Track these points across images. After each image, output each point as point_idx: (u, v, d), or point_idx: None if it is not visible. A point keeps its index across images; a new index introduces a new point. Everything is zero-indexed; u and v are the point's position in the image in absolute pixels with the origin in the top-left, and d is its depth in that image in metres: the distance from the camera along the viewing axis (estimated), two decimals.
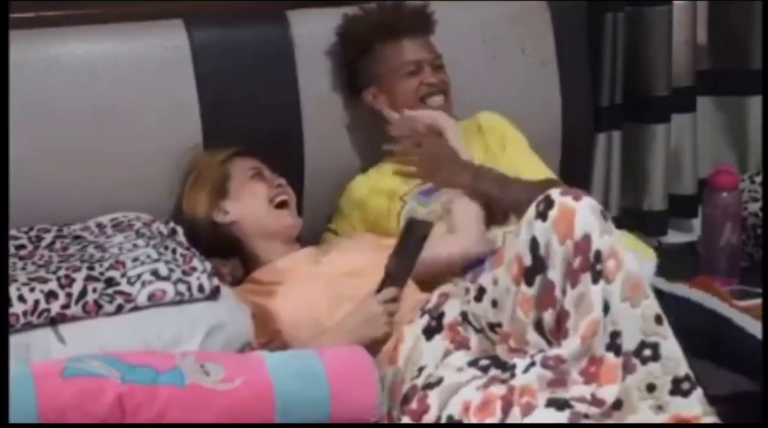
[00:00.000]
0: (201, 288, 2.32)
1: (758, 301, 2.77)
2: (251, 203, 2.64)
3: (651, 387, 2.09)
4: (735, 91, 3.40)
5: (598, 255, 2.07)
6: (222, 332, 2.29)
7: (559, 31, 3.09)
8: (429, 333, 2.30)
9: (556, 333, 2.11)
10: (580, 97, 3.14)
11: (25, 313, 2.21)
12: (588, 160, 3.20)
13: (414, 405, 2.20)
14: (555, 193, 2.12)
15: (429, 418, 2.17)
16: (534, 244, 2.11)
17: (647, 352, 2.08)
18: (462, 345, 2.25)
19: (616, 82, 3.19)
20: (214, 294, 2.34)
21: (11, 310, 2.20)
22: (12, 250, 2.43)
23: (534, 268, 2.11)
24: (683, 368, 2.10)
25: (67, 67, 2.68)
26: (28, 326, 2.22)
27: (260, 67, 2.82)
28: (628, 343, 2.08)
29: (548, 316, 2.11)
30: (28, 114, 2.59)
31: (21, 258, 2.41)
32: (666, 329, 2.10)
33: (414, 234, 2.37)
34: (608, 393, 2.06)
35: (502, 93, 3.01)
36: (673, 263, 2.86)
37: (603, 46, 3.16)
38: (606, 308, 2.07)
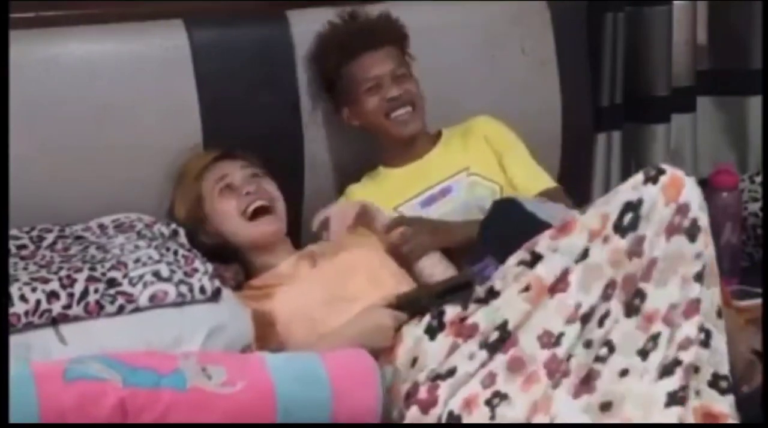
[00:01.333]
0: (202, 290, 2.32)
1: (758, 301, 2.77)
2: (225, 222, 2.60)
3: (696, 369, 2.14)
4: (735, 91, 3.40)
5: (695, 223, 2.18)
6: (223, 334, 2.29)
7: (559, 31, 3.09)
8: (432, 332, 2.30)
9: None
10: (580, 97, 3.14)
11: (26, 313, 2.21)
12: (588, 160, 3.20)
13: (424, 394, 2.21)
14: (666, 166, 2.24)
15: (435, 412, 2.19)
16: (638, 204, 2.20)
17: (701, 336, 2.15)
18: (470, 334, 2.26)
19: (616, 82, 3.19)
20: (216, 295, 2.34)
21: (12, 310, 2.20)
22: (13, 250, 2.43)
23: (631, 225, 2.20)
24: (726, 367, 2.17)
25: (67, 67, 2.67)
26: (30, 326, 2.22)
27: (260, 67, 2.82)
28: None
29: (630, 265, 2.18)
30: (28, 114, 2.59)
31: (22, 258, 2.41)
32: (722, 324, 2.19)
33: (464, 291, 2.33)
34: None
35: (502, 93, 3.00)
36: None
37: (603, 46, 3.16)
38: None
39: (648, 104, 3.25)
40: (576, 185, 2.91)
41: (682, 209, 2.19)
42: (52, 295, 2.24)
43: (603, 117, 3.20)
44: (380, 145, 2.84)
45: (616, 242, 2.20)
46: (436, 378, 2.22)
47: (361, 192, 2.82)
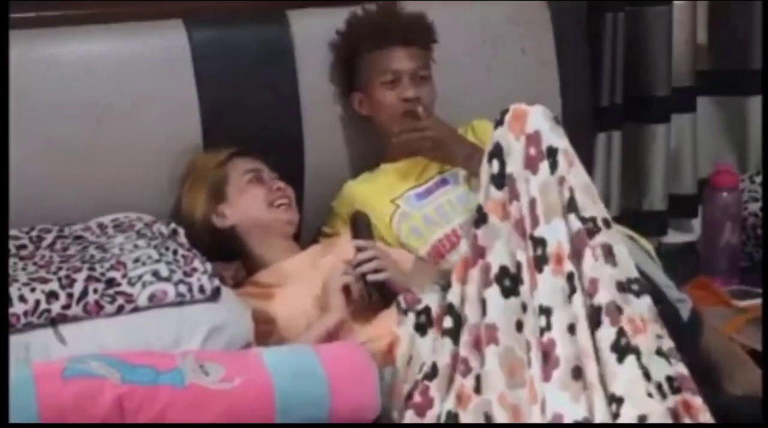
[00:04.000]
0: (202, 290, 2.32)
1: (758, 301, 2.78)
2: (250, 206, 2.65)
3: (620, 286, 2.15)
4: (735, 91, 3.40)
5: (552, 151, 2.19)
6: (223, 333, 2.29)
7: (559, 31, 3.09)
8: (421, 329, 2.31)
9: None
10: (580, 97, 3.13)
11: (25, 313, 2.21)
12: (588, 160, 3.19)
13: (418, 398, 2.20)
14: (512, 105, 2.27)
15: (433, 414, 2.18)
16: (497, 149, 2.23)
17: (602, 260, 2.15)
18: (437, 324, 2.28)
19: (616, 82, 3.19)
20: (215, 295, 2.34)
21: (12, 310, 2.20)
22: (13, 250, 2.43)
23: (501, 172, 2.22)
24: (633, 271, 2.17)
25: (67, 67, 2.68)
26: (29, 326, 2.22)
27: (260, 67, 2.82)
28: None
29: (514, 210, 2.20)
30: (28, 114, 2.59)
31: (22, 258, 2.41)
32: (614, 231, 2.20)
33: (361, 224, 2.56)
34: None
35: (502, 93, 2.99)
36: (673, 263, 2.85)
37: (603, 46, 3.16)
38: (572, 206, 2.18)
39: (648, 104, 3.25)
40: None
41: (532, 139, 2.21)
42: (52, 295, 2.24)
43: (603, 117, 3.20)
44: (381, 138, 2.83)
45: (494, 194, 2.22)
46: (425, 378, 2.21)
47: (357, 187, 2.83)
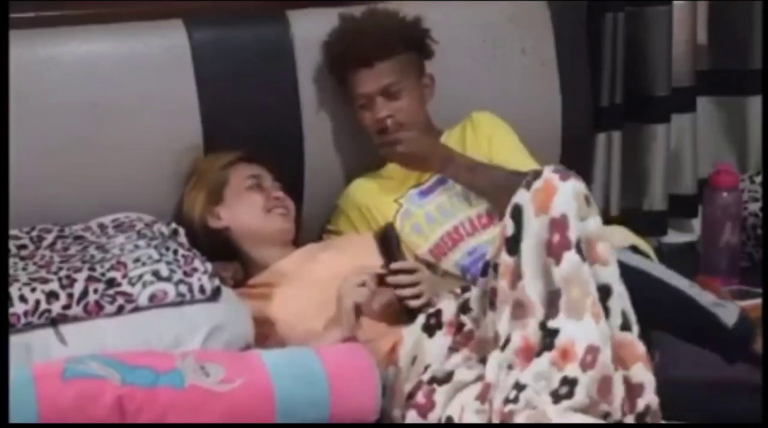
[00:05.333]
0: (202, 290, 2.32)
1: (758, 301, 2.77)
2: (245, 211, 2.65)
3: None
4: (735, 91, 3.40)
5: (579, 239, 2.05)
6: (223, 333, 2.29)
7: (559, 31, 3.08)
8: (430, 330, 2.31)
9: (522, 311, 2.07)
10: (580, 97, 3.13)
11: (26, 313, 2.21)
12: (588, 160, 3.19)
13: (421, 399, 2.20)
14: (548, 168, 2.11)
15: (433, 416, 2.19)
16: (516, 211, 2.09)
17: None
18: (466, 341, 2.25)
19: (616, 82, 3.19)
20: (215, 295, 2.34)
21: (12, 310, 2.20)
22: (13, 250, 2.43)
23: (516, 237, 2.09)
24: None
25: (67, 67, 2.68)
26: (29, 326, 2.22)
27: (260, 67, 2.82)
28: None
29: (519, 290, 2.06)
30: (28, 114, 2.59)
31: (22, 258, 2.41)
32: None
33: (391, 240, 2.47)
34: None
35: (502, 93, 3.00)
36: (673, 263, 2.85)
37: (603, 46, 3.16)
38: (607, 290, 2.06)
39: (648, 104, 3.25)
40: None
41: (557, 224, 2.04)
42: (52, 295, 2.24)
43: (603, 117, 3.20)
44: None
45: (505, 258, 2.09)
46: (433, 381, 2.22)
47: (363, 186, 2.83)
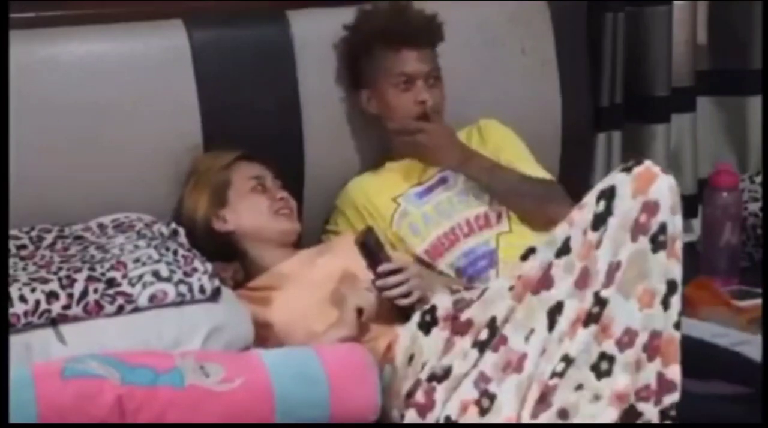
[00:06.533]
0: (202, 290, 2.32)
1: (758, 301, 2.77)
2: (251, 214, 2.64)
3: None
4: (735, 91, 3.40)
5: (663, 228, 2.09)
6: (223, 334, 2.30)
7: (559, 31, 3.09)
8: (425, 327, 2.30)
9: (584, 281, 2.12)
10: (580, 97, 3.13)
11: (26, 313, 2.21)
12: (588, 160, 3.20)
13: (421, 398, 2.20)
14: (650, 161, 2.17)
15: (433, 415, 2.19)
16: (610, 192, 2.13)
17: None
18: (463, 330, 2.25)
19: (616, 82, 3.19)
20: (215, 295, 2.34)
21: (12, 310, 2.20)
22: (13, 250, 2.43)
23: (604, 216, 2.12)
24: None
25: (67, 67, 2.68)
26: (29, 326, 2.22)
27: (260, 67, 2.81)
28: None
29: (591, 259, 2.11)
30: (28, 114, 2.59)
31: (22, 258, 2.41)
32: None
33: (371, 246, 2.46)
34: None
35: (502, 93, 3.00)
36: None
37: (603, 46, 3.16)
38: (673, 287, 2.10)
39: (648, 104, 3.25)
40: (576, 185, 2.89)
41: (650, 207, 2.10)
42: (52, 295, 2.24)
43: (603, 117, 3.20)
44: (387, 136, 2.83)
45: (590, 235, 2.13)
46: (433, 379, 2.21)
47: (361, 185, 2.83)
